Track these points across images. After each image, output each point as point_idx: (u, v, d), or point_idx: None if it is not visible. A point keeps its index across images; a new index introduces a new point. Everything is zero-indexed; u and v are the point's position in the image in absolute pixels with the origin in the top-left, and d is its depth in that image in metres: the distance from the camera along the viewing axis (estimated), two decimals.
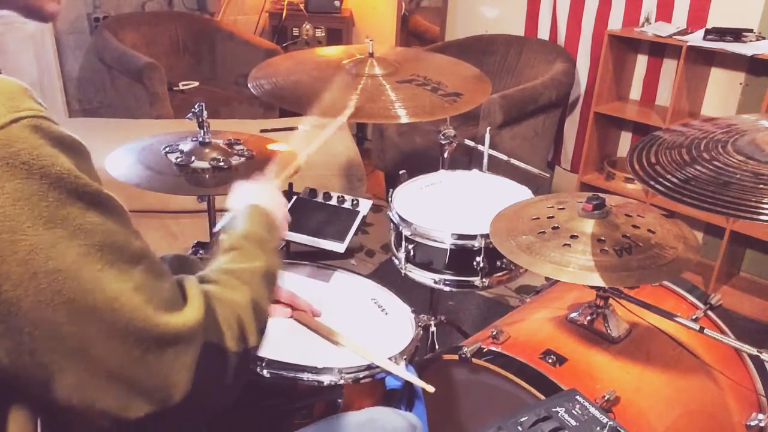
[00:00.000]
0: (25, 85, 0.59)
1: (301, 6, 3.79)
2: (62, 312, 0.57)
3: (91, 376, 0.59)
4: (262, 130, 2.67)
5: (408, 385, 1.13)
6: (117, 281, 0.59)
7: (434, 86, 1.55)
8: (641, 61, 2.94)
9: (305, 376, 1.03)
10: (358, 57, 1.64)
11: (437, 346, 1.78)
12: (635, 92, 2.99)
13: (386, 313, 1.25)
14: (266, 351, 1.04)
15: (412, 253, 1.50)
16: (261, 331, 0.73)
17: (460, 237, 1.44)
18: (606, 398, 1.11)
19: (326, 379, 1.03)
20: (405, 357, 1.12)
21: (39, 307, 0.56)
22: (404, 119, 1.45)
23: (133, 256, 0.61)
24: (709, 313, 1.41)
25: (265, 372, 1.02)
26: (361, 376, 1.05)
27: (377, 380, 1.10)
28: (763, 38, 2.47)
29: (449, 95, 1.53)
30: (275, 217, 0.91)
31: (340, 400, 1.04)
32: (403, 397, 1.13)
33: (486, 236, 1.38)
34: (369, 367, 1.07)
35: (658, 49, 2.84)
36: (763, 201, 0.88)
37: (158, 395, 0.61)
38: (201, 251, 1.78)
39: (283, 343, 1.10)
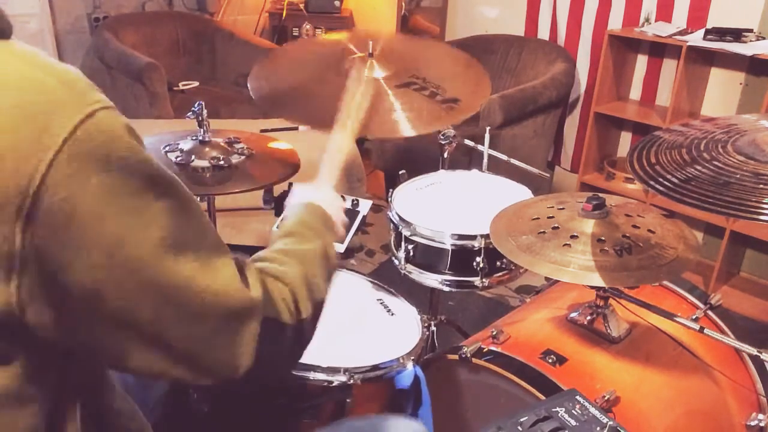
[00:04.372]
0: (84, 77, 0.60)
1: (301, 6, 3.79)
2: (142, 298, 0.59)
3: (164, 355, 0.62)
4: (263, 130, 2.67)
5: (415, 386, 1.13)
6: (189, 264, 0.61)
7: (433, 90, 1.54)
8: (641, 61, 2.94)
9: (314, 375, 1.03)
10: (358, 56, 1.63)
11: (437, 346, 1.78)
12: (635, 92, 2.99)
13: (392, 314, 1.24)
14: None
15: (412, 253, 1.50)
16: (316, 305, 0.77)
17: (460, 237, 1.44)
18: (606, 398, 1.11)
19: (335, 379, 1.03)
20: (412, 357, 1.11)
21: (120, 295, 0.58)
22: (403, 133, 1.43)
23: (202, 238, 0.64)
24: (709, 313, 1.41)
25: None
26: (369, 376, 1.05)
27: (385, 381, 1.09)
28: (763, 38, 2.47)
29: (447, 101, 1.52)
30: (331, 215, 0.93)
31: (348, 400, 1.04)
32: (410, 398, 1.13)
33: (486, 236, 1.38)
34: (377, 367, 1.06)
35: (658, 49, 2.84)
36: (763, 201, 0.88)
37: (223, 371, 0.65)
38: None
39: None
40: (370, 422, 1.04)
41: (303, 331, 0.74)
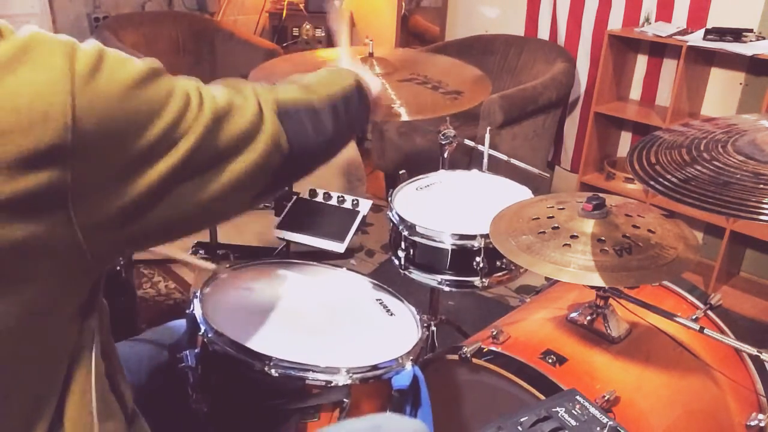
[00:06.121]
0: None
1: (301, 6, 3.79)
2: (197, 167, 0.68)
3: (225, 198, 0.72)
4: None
5: (414, 386, 1.13)
6: (213, 130, 0.69)
7: (435, 85, 1.55)
8: (641, 61, 2.94)
9: (312, 375, 1.03)
10: (358, 57, 1.64)
11: (437, 346, 1.78)
12: (635, 92, 2.99)
13: (392, 315, 1.24)
14: (274, 350, 1.04)
15: (411, 254, 1.50)
16: (330, 98, 0.88)
17: (460, 237, 1.44)
18: (606, 398, 1.11)
19: (333, 378, 1.03)
20: (411, 358, 1.11)
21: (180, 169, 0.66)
22: (405, 117, 1.44)
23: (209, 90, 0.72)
24: (709, 313, 1.41)
25: (272, 371, 1.02)
26: (368, 376, 1.05)
27: (384, 381, 1.09)
28: (763, 38, 2.48)
29: (450, 93, 1.52)
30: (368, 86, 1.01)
31: (346, 400, 1.04)
32: (409, 398, 1.12)
33: (486, 236, 1.38)
34: (376, 367, 1.06)
35: (658, 49, 2.85)
36: (763, 201, 0.88)
37: (272, 164, 0.76)
38: (201, 251, 1.78)
39: (291, 342, 1.10)
40: (370, 422, 1.04)
41: (318, 116, 0.86)
